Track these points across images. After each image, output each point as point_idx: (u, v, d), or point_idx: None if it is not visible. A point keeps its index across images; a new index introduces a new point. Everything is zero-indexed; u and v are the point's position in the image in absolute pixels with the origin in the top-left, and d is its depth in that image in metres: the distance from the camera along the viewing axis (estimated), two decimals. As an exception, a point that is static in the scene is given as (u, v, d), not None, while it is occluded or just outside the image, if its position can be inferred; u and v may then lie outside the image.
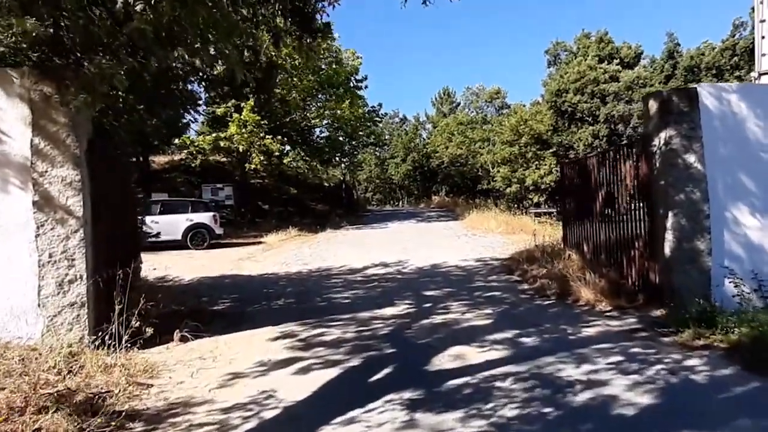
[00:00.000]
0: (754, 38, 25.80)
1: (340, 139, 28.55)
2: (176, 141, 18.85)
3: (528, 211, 29.12)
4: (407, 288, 8.75)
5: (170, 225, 16.16)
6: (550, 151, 30.69)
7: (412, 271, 10.65)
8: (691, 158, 6.14)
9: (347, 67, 23.17)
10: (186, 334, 5.80)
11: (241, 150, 19.14)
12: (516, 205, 31.28)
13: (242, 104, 19.43)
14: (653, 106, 6.44)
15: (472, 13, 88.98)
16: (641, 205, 6.75)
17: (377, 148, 46.88)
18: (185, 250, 16.38)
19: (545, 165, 30.27)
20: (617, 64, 29.52)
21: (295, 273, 11.14)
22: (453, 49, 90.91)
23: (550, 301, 7.32)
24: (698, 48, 25.80)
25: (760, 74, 11.98)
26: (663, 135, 6.26)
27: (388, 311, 7.02)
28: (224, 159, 23.95)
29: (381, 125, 33.27)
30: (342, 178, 35.54)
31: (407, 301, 7.64)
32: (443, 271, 10.60)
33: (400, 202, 53.08)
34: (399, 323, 6.35)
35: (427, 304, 7.38)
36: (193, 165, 20.11)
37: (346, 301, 7.99)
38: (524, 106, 36.36)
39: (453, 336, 5.65)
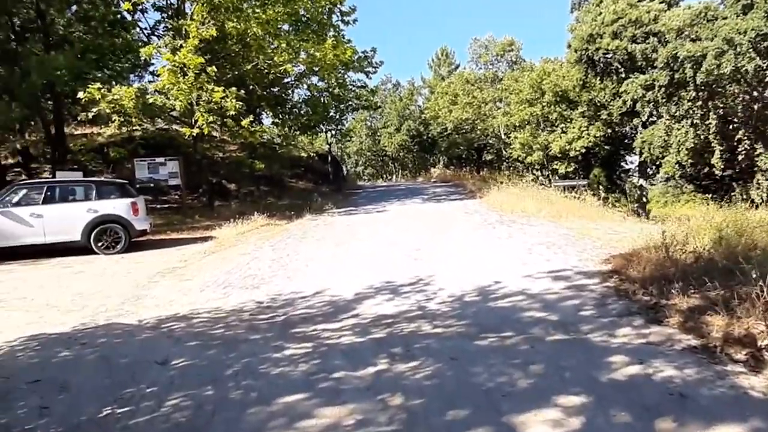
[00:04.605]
0: None
1: (324, 101, 22.88)
2: (80, 95, 13.07)
3: (552, 183, 23.85)
4: (466, 391, 3.49)
5: (61, 219, 10.78)
6: (579, 111, 25.29)
7: (449, 312, 5.42)
8: None
9: (330, -6, 17.32)
10: None
11: (178, 108, 13.57)
12: (521, 177, 25.98)
13: (181, 43, 13.79)
14: None
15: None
16: None
17: (369, 115, 41.30)
18: (88, 255, 10.91)
19: (573, 128, 24.91)
20: (660, 2, 23.98)
21: (225, 318, 5.91)
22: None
23: None
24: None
25: None
26: None
27: None
28: (169, 126, 18.38)
29: (374, 78, 27.40)
30: (328, 150, 29.97)
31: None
32: (506, 307, 5.42)
33: (394, 177, 47.75)
34: None
35: None
36: (119, 132, 14.50)
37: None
38: (535, 64, 30.83)
39: None
